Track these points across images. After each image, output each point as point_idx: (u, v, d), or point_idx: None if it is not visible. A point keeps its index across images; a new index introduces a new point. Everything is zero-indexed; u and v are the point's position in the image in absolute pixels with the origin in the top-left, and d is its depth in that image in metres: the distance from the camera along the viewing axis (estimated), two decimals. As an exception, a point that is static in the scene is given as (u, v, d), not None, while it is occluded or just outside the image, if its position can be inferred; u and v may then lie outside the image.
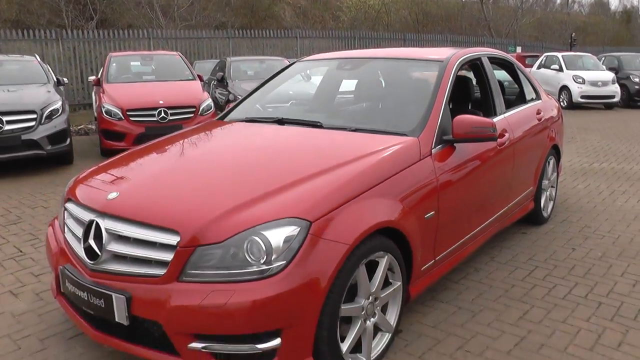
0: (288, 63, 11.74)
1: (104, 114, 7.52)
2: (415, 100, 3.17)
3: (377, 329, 2.47)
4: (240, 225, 2.03)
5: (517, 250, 3.99)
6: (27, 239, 4.36)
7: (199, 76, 9.03)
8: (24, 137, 6.46)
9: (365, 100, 3.63)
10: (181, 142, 3.13)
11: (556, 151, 4.71)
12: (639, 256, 3.85)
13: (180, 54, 9.50)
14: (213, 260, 2.02)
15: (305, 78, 11.08)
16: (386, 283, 2.48)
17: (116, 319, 2.13)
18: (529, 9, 45.09)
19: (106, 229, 2.21)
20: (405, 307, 2.70)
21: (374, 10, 38.33)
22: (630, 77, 14.90)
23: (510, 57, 4.40)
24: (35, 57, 8.41)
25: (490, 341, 2.72)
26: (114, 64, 8.69)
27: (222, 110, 9.60)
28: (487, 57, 3.90)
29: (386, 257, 2.39)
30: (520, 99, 4.38)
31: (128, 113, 7.48)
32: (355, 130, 2.97)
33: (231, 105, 3.89)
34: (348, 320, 2.31)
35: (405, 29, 37.93)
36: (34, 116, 6.57)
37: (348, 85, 3.94)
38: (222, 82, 10.60)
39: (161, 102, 7.65)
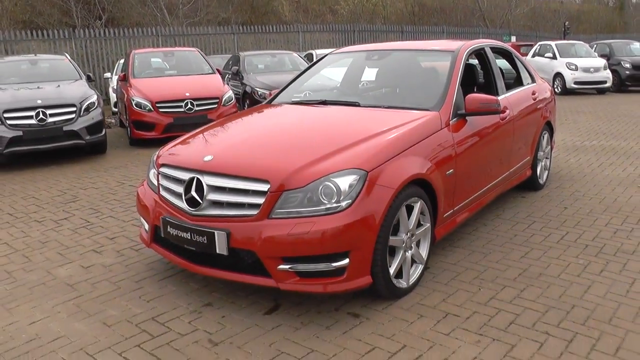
0: (297, 56, 12.39)
1: (134, 106, 8.16)
2: (434, 83, 3.85)
3: (412, 261, 3.15)
4: (316, 174, 2.71)
5: (517, 210, 4.68)
6: (90, 212, 5.01)
7: (217, 70, 9.68)
8: (65, 128, 7.10)
9: (391, 84, 4.29)
10: (246, 118, 3.82)
11: (549, 127, 5.40)
12: (620, 211, 4.55)
13: (199, 50, 10.12)
14: (295, 201, 2.70)
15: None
16: (418, 225, 3.16)
17: (217, 251, 2.80)
18: (524, -1, 45.63)
19: (207, 183, 2.88)
20: (432, 246, 3.38)
21: (371, 3, 38.94)
22: (622, 63, 15.61)
23: (508, 46, 5.08)
24: (66, 55, 9.03)
25: (499, 272, 3.41)
26: (138, 60, 9.30)
27: (239, 102, 10.24)
28: (490, 47, 4.57)
29: (419, 202, 3.07)
30: (518, 82, 5.06)
31: (157, 105, 8.13)
32: (388, 107, 3.65)
33: (270, 94, 4.54)
34: (392, 253, 2.98)
35: (402, 21, 38.52)
36: (74, 109, 7.21)
37: (375, 72, 4.59)
38: (236, 76, 11.22)
39: (187, 94, 8.30)
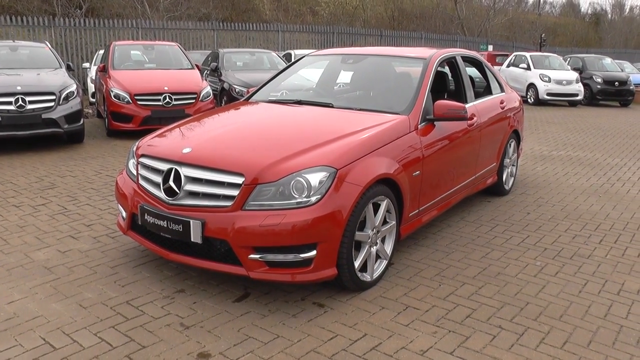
0: (275, 55, 12.52)
1: (113, 97, 8.18)
2: (405, 88, 4.03)
3: (377, 256, 3.32)
4: (288, 169, 2.86)
5: (482, 213, 4.90)
6: (68, 199, 5.06)
7: (196, 66, 9.73)
8: (44, 116, 7.09)
9: (364, 87, 4.46)
10: (224, 114, 3.94)
11: (517, 135, 5.64)
12: (580, 219, 4.80)
13: (179, 44, 10.17)
14: (268, 194, 2.84)
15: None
16: (384, 222, 3.33)
17: (192, 240, 2.92)
18: (501, 9, 46.58)
19: (184, 174, 3.00)
20: (397, 244, 3.55)
21: (351, 6, 39.25)
22: (593, 77, 16.15)
23: (479, 56, 5.30)
24: (46, 43, 8.98)
25: (460, 270, 3.60)
26: (118, 52, 9.30)
27: (217, 98, 10.31)
28: (461, 57, 4.78)
29: (386, 200, 3.24)
30: (487, 91, 5.29)
31: (136, 97, 8.16)
32: (360, 109, 3.81)
33: (248, 92, 4.66)
34: (358, 247, 3.14)
35: (381, 25, 38.95)
36: (53, 97, 7.20)
37: (350, 75, 4.75)
38: (215, 72, 11.29)
39: (166, 88, 8.35)
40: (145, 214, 3.13)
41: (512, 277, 3.52)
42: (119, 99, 8.16)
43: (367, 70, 4.56)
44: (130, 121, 8.19)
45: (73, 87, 7.51)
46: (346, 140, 3.19)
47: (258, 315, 2.90)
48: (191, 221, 2.90)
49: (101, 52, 13.68)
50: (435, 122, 3.88)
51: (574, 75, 15.64)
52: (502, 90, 5.47)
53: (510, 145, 5.46)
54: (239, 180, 2.87)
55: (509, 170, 5.57)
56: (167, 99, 8.30)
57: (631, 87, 16.06)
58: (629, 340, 2.80)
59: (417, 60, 4.27)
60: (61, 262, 3.59)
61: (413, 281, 3.41)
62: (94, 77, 11.49)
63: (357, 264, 3.08)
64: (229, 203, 2.87)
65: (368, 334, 2.74)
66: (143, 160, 3.35)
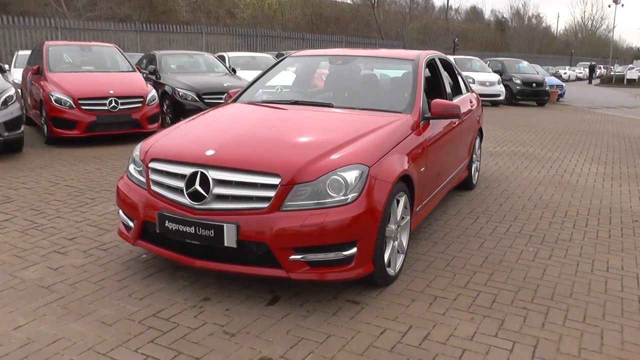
0: (213, 57, 12.25)
1: (54, 102, 7.63)
2: (401, 88, 4.15)
3: (397, 250, 3.39)
4: (324, 168, 2.85)
5: (459, 206, 5.13)
6: (33, 213, 4.67)
7: (137, 68, 9.32)
8: (-20, 123, 6.49)
9: (358, 88, 4.51)
10: (223, 115, 3.84)
11: (481, 132, 5.96)
12: (548, 207, 5.18)
13: (116, 46, 9.68)
14: (305, 194, 2.82)
15: (231, 72, 11.72)
16: (401, 217, 3.41)
17: (225, 244, 2.83)
18: (416, 14, 48.71)
19: (212, 177, 2.90)
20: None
21: (271, 9, 39.26)
22: (513, 79, 17.37)
23: (449, 58, 5.55)
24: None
25: (465, 260, 3.75)
26: (52, 53, 8.69)
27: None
28: (438, 58, 4.98)
29: (404, 196, 3.32)
30: (458, 91, 5.55)
31: (79, 102, 7.68)
32: (363, 109, 3.87)
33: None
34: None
35: (299, 28, 39.34)
36: (-10, 103, 6.60)
37: (339, 76, 4.77)
38: (153, 75, 10.86)
39: (111, 91, 7.94)
40: (166, 221, 2.98)
41: (514, 263, 3.73)
42: (60, 104, 7.63)
43: (357, 71, 4.62)
44: (74, 127, 7.69)
45: (11, 91, 6.93)
46: (367, 138, 3.23)
47: (298, 317, 2.86)
48: (224, 225, 2.80)
49: (22, 52, 12.74)
50: (430, 120, 4.02)
51: (496, 77, 16.70)
52: (468, 90, 5.76)
53: (476, 141, 5.76)
54: (274, 181, 2.82)
55: (475, 165, 5.88)
56: (113, 103, 7.89)
57: (547, 88, 17.45)
58: (633, 309, 3.10)
59: (406, 61, 4.40)
60: (58, 280, 3.32)
61: (428, 273, 3.52)
62: (16, 80, 10.66)
63: (385, 259, 3.14)
64: (264, 205, 2.81)
65: (413, 325, 2.81)
66: (155, 165, 3.18)
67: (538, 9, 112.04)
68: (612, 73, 41.94)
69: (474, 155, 5.74)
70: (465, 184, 5.66)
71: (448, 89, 4.87)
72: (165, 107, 10.08)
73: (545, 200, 5.44)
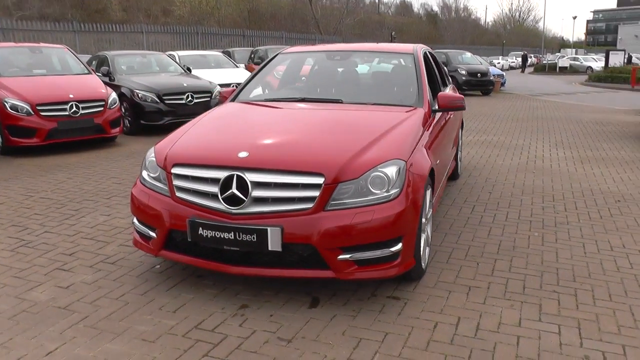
0: (166, 57, 11.84)
1: (9, 109, 7.12)
2: (405, 81, 4.17)
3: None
4: (366, 165, 2.82)
5: (452, 197, 5.24)
6: (17, 230, 4.34)
7: (93, 70, 8.87)
8: None
9: (360, 83, 4.49)
10: (234, 115, 3.71)
11: (462, 123, 6.11)
12: (534, 193, 5.39)
13: (68, 47, 9.16)
14: (348, 192, 2.78)
15: (186, 71, 11.39)
16: (424, 210, 3.44)
17: (269, 248, 2.74)
18: (352, 9, 49.24)
19: (250, 180, 2.79)
20: (427, 230, 3.68)
21: (209, 6, 38.46)
22: (458, 69, 17.93)
23: (433, 52, 5.64)
24: None
25: (480, 249, 3.84)
26: (0, 56, 8.10)
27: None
28: (427, 52, 5.06)
29: (430, 189, 3.35)
30: (443, 83, 5.64)
31: (38, 108, 7.21)
32: (374, 104, 3.86)
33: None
34: (413, 236, 3.21)
35: (236, 25, 38.83)
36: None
37: (342, 72, 4.71)
38: (106, 77, 10.37)
39: (71, 96, 7.51)
40: (200, 228, 2.85)
41: (527, 249, 3.86)
42: (17, 111, 7.12)
43: (360, 67, 4.60)
44: (34, 135, 7.20)
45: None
46: (394, 133, 3.23)
47: (347, 317, 2.83)
48: (268, 229, 2.72)
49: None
50: (435, 113, 4.08)
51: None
52: (450, 81, 5.88)
53: (460, 132, 5.90)
54: (318, 180, 2.76)
55: (460, 155, 6.02)
56: (75, 108, 7.47)
57: (491, 78, 18.13)
58: (650, 285, 3.27)
59: (404, 55, 4.44)
60: (74, 299, 3.11)
61: (452, 264, 3.57)
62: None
63: (421, 252, 3.15)
64: (308, 205, 2.75)
65: (461, 316, 2.84)
66: (179, 170, 3.03)
67: (466, 2, 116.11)
68: (544, 62, 44.24)
69: (459, 146, 5.88)
70: (453, 174, 5.79)
71: (440, 81, 4.95)
72: (123, 110, 9.65)
73: (529, 186, 5.66)
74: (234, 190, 2.80)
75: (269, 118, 3.70)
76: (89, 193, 5.41)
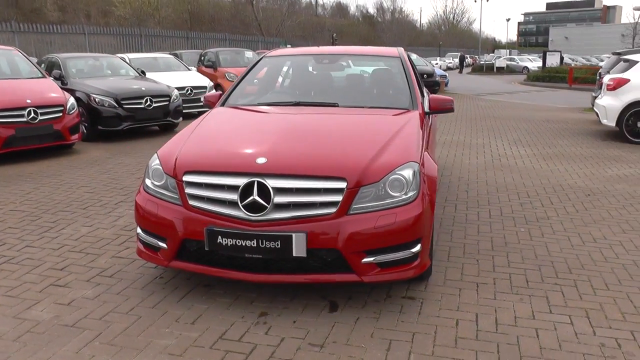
0: (119, 59, 11.46)
1: (-40, 117, 6.67)
2: (396, 84, 4.26)
3: (428, 242, 3.51)
4: (386, 168, 2.87)
5: (435, 196, 5.39)
6: (9, 243, 4.10)
7: (47, 74, 8.45)
8: None
9: (352, 86, 4.52)
10: (232, 120, 3.68)
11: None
12: (508, 189, 5.62)
13: (18, 49, 8.67)
14: (369, 196, 2.81)
15: (140, 74, 11.07)
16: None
17: (294, 254, 2.73)
18: (294, 11, 49.42)
19: (271, 186, 2.77)
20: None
21: (150, 7, 37.45)
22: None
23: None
24: None
25: (475, 246, 3.98)
26: (-58, 61, 7.58)
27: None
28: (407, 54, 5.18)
29: (435, 189, 3.45)
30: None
31: (-7, 115, 6.79)
32: (371, 107, 3.91)
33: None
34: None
35: (176, 27, 38.09)
36: None
37: (332, 75, 4.73)
38: (58, 81, 9.89)
39: (28, 101, 7.13)
40: (219, 237, 2.80)
41: (518, 244, 4.03)
42: (-31, 119, 6.69)
43: (347, 69, 4.64)
44: (-11, 144, 6.79)
45: None
46: (402, 136, 3.29)
47: (371, 319, 2.86)
48: (293, 235, 2.71)
49: None
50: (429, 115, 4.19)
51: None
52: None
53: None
54: (341, 185, 2.77)
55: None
56: (33, 114, 7.09)
57: (437, 79, 18.65)
58: (637, 272, 3.50)
59: (391, 58, 4.53)
60: (80, 316, 2.97)
61: (453, 262, 3.68)
62: None
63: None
64: (332, 210, 2.76)
65: (478, 313, 2.94)
66: (191, 178, 2.96)
67: (402, 4, 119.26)
68: (481, 62, 46.01)
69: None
70: (428, 174, 5.94)
71: (422, 84, 5.07)
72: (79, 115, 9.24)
73: (501, 183, 5.90)
74: (256, 197, 2.77)
75: (273, 122, 3.67)
76: (62, 204, 5.16)
